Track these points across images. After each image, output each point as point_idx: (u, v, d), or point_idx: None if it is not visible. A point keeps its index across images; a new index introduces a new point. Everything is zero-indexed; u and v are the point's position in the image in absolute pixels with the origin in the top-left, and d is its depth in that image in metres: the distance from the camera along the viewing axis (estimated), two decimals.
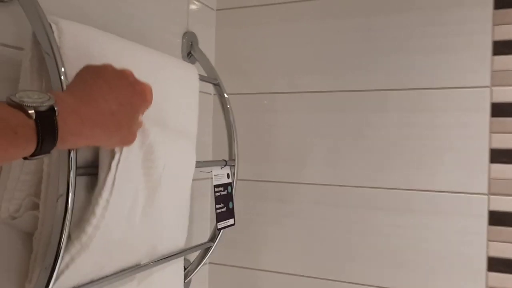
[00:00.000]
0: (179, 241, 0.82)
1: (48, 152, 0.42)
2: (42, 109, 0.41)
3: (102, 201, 0.59)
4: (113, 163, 0.59)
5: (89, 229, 0.58)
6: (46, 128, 0.41)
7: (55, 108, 0.42)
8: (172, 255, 0.83)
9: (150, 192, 0.68)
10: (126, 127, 0.54)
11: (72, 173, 0.55)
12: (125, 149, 0.60)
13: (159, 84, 0.77)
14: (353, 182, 1.03)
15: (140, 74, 0.72)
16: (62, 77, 0.56)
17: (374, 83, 1.01)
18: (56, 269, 0.54)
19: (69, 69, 0.59)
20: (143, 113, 0.58)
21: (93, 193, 0.60)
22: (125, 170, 0.61)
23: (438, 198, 0.95)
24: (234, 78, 1.15)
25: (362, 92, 1.03)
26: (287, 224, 1.09)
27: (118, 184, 0.60)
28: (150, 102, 0.58)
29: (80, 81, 0.52)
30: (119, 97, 0.52)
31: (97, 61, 0.64)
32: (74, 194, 0.55)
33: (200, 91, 1.11)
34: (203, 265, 1.13)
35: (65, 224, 0.54)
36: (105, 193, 0.59)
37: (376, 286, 1.00)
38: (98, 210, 0.59)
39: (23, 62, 0.59)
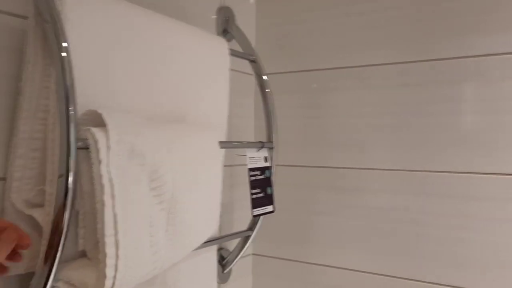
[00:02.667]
0: (208, 235, 0.75)
1: None
2: None
3: (110, 240, 0.51)
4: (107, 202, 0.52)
5: (109, 280, 0.51)
6: None
7: None
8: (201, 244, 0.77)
9: (168, 213, 0.60)
10: None
11: (72, 153, 0.50)
12: (122, 176, 0.53)
13: (181, 58, 0.72)
14: (420, 166, 0.91)
15: (159, 48, 0.68)
16: (63, 53, 0.51)
17: (442, 51, 0.88)
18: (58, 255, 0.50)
19: (74, 40, 0.55)
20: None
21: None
22: (128, 198, 0.54)
23: None
24: (277, 56, 1.07)
25: (427, 63, 0.90)
26: (342, 213, 0.99)
27: (123, 218, 0.53)
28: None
29: None
30: None
31: (106, 32, 0.60)
32: (76, 175, 0.50)
33: (241, 71, 1.05)
34: (245, 256, 1.07)
35: (66, 205, 0.50)
36: (109, 231, 0.51)
37: (445, 285, 0.88)
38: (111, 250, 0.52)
39: (27, 31, 0.56)
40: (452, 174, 0.87)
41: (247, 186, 1.05)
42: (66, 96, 0.50)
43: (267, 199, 0.87)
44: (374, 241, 0.95)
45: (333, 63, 1.00)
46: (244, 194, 1.04)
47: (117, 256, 0.51)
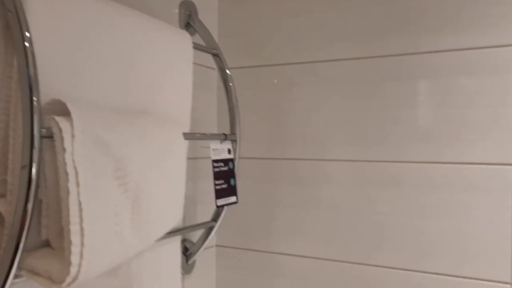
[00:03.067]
0: (172, 225, 0.77)
1: None
2: None
3: (75, 228, 0.52)
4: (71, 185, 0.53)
5: (74, 267, 0.52)
6: None
7: None
8: (165, 234, 0.78)
9: (133, 202, 0.61)
10: None
11: (36, 143, 0.50)
12: (86, 165, 0.54)
13: (146, 50, 0.73)
14: (377, 157, 0.95)
15: (124, 40, 0.68)
16: (26, 43, 0.51)
17: (401, 47, 0.93)
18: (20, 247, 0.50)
19: (38, 32, 0.55)
20: None
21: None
22: (93, 187, 0.55)
23: (470, 171, 0.87)
24: (240, 51, 1.09)
25: (386, 58, 0.94)
26: (303, 204, 1.02)
27: (88, 207, 0.54)
28: None
29: None
30: None
31: (70, 24, 0.60)
32: (39, 166, 0.50)
33: (203, 65, 1.07)
34: (209, 247, 1.09)
35: (29, 196, 0.50)
36: (74, 219, 0.52)
37: (405, 270, 0.93)
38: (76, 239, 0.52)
39: None
40: (408, 164, 0.92)
41: (210, 179, 1.06)
42: (30, 85, 0.51)
43: (231, 190, 0.89)
44: (334, 230, 0.98)
45: (293, 59, 1.04)
46: (207, 187, 1.06)
47: (82, 244, 0.52)
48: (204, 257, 1.07)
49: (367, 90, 0.95)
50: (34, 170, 0.50)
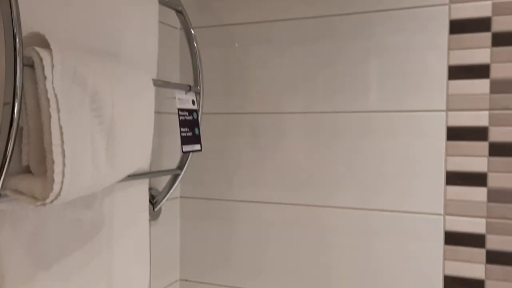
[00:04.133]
0: (141, 165, 0.82)
1: None
2: None
3: (56, 149, 0.56)
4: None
5: (57, 184, 0.57)
6: None
7: None
8: (134, 175, 0.84)
9: (108, 133, 0.66)
10: None
11: (18, 81, 0.54)
12: (65, 94, 0.58)
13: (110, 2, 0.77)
14: (330, 108, 1.04)
15: None
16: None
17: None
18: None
19: None
20: None
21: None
22: (72, 115, 0.59)
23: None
24: (201, 10, 1.14)
25: (343, 16, 1.03)
26: (261, 154, 1.10)
27: (68, 131, 0.58)
28: None
29: None
30: None
31: None
32: (21, 104, 0.54)
33: (167, 24, 1.11)
34: (174, 198, 1.15)
35: (11, 135, 0.54)
36: (55, 141, 0.57)
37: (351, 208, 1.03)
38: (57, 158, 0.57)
39: None
40: (365, 113, 1.01)
41: (174, 134, 1.12)
42: (11, 17, 0.54)
43: (195, 139, 0.95)
44: (291, 177, 1.07)
45: (250, 18, 1.10)
46: (172, 140, 1.11)
47: (63, 164, 0.57)
48: (169, 207, 1.13)
49: (317, 49, 1.03)
50: (16, 105, 0.54)
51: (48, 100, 0.56)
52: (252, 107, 1.10)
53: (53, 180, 0.56)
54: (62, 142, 0.57)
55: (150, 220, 1.03)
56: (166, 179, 1.03)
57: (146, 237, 0.90)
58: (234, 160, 1.12)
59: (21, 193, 0.58)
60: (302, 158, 1.06)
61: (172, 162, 1.11)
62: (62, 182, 0.57)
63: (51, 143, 0.56)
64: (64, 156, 0.57)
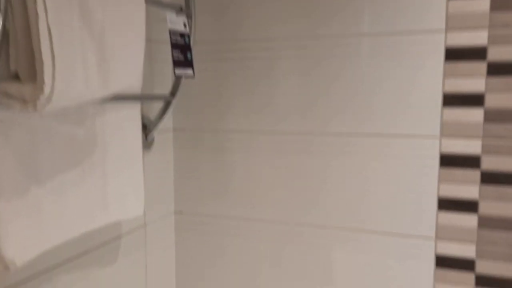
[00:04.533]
0: (132, 81, 0.81)
1: None
2: None
3: (46, 50, 0.55)
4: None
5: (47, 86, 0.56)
6: None
7: None
8: (126, 97, 0.83)
9: (98, 43, 0.64)
10: None
11: None
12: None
13: None
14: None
15: None
16: None
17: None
18: None
19: None
20: None
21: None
22: (60, 17, 0.57)
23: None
24: None
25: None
26: (251, 81, 1.08)
27: (57, 34, 0.56)
28: None
29: None
30: None
31: None
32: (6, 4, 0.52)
33: None
34: (167, 130, 1.14)
35: None
36: (44, 42, 0.55)
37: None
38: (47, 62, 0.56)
39: None
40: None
41: (165, 62, 1.10)
42: None
43: (187, 63, 0.93)
44: (282, 104, 1.06)
45: None
46: (163, 68, 1.09)
47: (53, 66, 0.55)
48: (162, 139, 1.12)
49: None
50: (2, 5, 0.52)
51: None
52: (244, 35, 1.08)
53: (43, 82, 0.55)
54: (51, 42, 0.55)
55: (143, 149, 1.02)
56: (158, 109, 1.01)
57: (139, 164, 0.90)
58: (225, 89, 1.11)
59: (11, 96, 0.57)
60: (295, 86, 1.05)
61: (164, 91, 1.10)
62: (52, 86, 0.55)
63: (39, 43, 0.54)
64: (53, 57, 0.55)
